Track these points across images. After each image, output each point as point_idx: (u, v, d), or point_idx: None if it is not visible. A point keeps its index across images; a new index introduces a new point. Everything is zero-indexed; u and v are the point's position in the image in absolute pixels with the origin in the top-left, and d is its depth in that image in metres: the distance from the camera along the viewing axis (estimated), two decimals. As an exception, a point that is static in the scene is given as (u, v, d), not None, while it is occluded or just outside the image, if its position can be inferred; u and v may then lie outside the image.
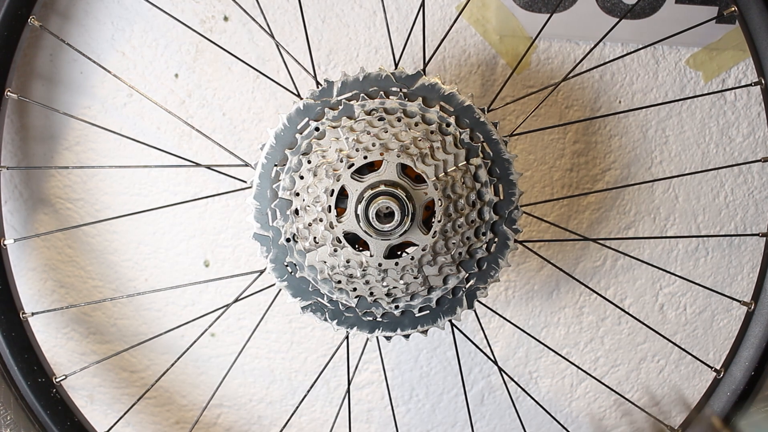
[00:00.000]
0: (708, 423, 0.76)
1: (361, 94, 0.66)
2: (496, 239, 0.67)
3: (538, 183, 0.89)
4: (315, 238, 0.63)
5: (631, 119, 0.89)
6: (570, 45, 0.85)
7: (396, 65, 0.73)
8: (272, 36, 0.74)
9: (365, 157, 0.62)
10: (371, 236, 0.62)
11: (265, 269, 0.68)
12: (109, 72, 0.76)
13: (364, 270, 0.63)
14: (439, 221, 0.62)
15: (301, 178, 0.64)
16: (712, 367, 0.80)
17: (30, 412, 0.72)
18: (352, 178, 0.61)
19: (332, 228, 0.62)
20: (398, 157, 0.61)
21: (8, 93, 0.72)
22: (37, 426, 0.72)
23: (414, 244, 0.63)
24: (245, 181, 0.70)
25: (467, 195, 0.64)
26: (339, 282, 0.65)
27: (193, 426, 0.81)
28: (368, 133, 0.63)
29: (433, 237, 0.63)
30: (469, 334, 0.87)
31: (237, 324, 0.89)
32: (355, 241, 0.64)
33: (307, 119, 0.66)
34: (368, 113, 0.65)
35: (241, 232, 0.87)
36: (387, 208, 0.61)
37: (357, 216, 0.61)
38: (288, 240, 0.65)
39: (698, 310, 0.96)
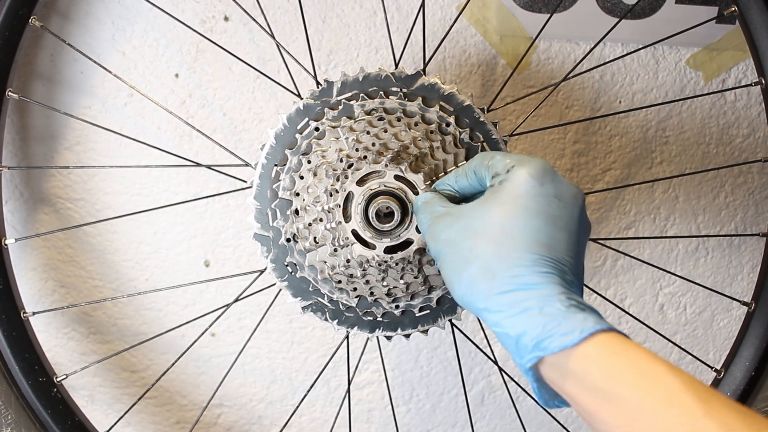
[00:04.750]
0: None
1: (361, 94, 0.66)
2: (496, 239, 0.67)
3: (538, 183, 0.89)
4: (315, 238, 0.63)
5: (632, 119, 0.89)
6: (570, 45, 0.86)
7: (396, 65, 0.73)
8: (273, 36, 0.74)
9: (364, 157, 0.62)
10: (371, 236, 0.62)
11: (265, 269, 0.68)
12: (109, 72, 0.76)
13: (364, 270, 0.63)
14: None
15: (301, 178, 0.64)
16: (712, 367, 0.80)
17: (31, 411, 0.72)
18: (356, 184, 0.61)
19: (339, 226, 0.62)
20: (386, 166, 0.61)
21: (9, 93, 0.72)
22: (38, 425, 0.72)
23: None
24: (246, 181, 0.70)
25: (467, 195, 0.64)
26: (339, 282, 0.65)
27: (193, 426, 0.81)
28: (368, 132, 0.63)
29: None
30: (470, 334, 0.87)
31: (237, 324, 0.89)
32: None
33: (307, 119, 0.66)
34: (368, 113, 0.65)
35: (241, 232, 0.87)
36: (387, 207, 0.61)
37: (357, 216, 0.62)
38: (288, 240, 0.65)
39: (698, 310, 0.96)
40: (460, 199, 0.60)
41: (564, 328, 0.44)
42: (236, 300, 0.76)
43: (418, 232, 0.62)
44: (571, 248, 0.50)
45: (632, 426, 0.41)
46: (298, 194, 0.64)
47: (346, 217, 0.62)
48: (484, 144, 0.66)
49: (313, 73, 0.73)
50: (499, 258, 0.49)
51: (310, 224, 0.63)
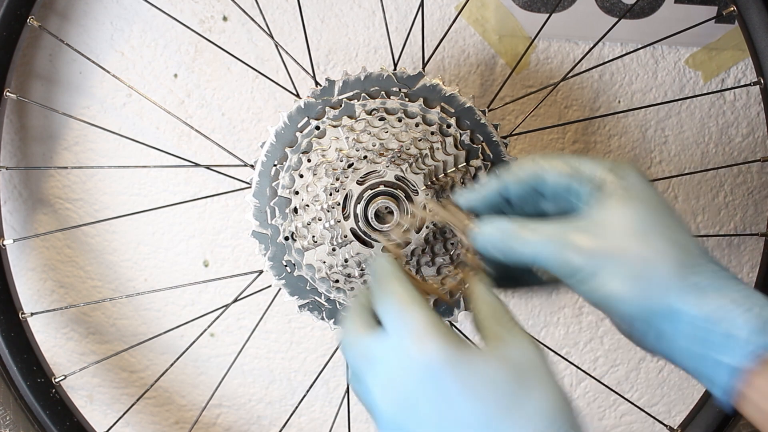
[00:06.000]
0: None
1: (363, 94, 0.66)
2: (495, 240, 0.67)
3: (537, 183, 0.89)
4: (313, 236, 0.63)
5: (631, 119, 0.89)
6: (569, 45, 0.86)
7: (395, 65, 0.73)
8: (271, 36, 0.74)
9: (364, 157, 0.62)
10: (370, 236, 0.62)
11: (263, 271, 0.68)
12: (108, 72, 0.76)
13: (362, 269, 0.63)
14: (427, 227, 0.62)
15: (301, 176, 0.64)
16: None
17: (29, 412, 0.72)
18: (357, 183, 0.61)
19: (339, 224, 0.62)
20: (386, 167, 0.61)
21: (7, 93, 0.72)
22: (37, 426, 0.72)
23: (413, 244, 0.63)
24: (244, 181, 0.70)
25: (466, 196, 0.64)
26: (337, 281, 0.65)
27: (192, 426, 0.81)
28: (369, 133, 0.63)
29: (424, 239, 0.63)
30: (469, 335, 0.87)
31: (236, 324, 0.89)
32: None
33: (307, 118, 0.66)
34: (369, 113, 0.65)
35: (240, 232, 0.87)
36: (386, 207, 0.61)
37: (356, 216, 0.62)
38: (286, 238, 0.65)
39: (698, 309, 0.96)
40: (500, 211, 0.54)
41: None
42: (235, 300, 0.76)
43: (417, 232, 0.62)
44: None
45: None
46: (297, 192, 0.64)
47: (345, 216, 0.62)
48: (485, 146, 0.66)
49: (311, 73, 0.73)
50: (681, 250, 0.45)
51: (308, 223, 0.63)
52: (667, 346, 0.45)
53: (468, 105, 0.66)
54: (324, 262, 0.64)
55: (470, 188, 0.54)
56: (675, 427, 0.79)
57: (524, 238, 0.49)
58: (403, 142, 0.62)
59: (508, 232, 0.50)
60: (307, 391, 0.80)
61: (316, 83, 0.68)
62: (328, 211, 0.62)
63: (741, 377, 0.41)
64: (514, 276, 0.55)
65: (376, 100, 0.65)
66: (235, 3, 0.77)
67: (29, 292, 0.86)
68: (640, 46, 0.84)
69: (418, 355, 0.42)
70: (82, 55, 0.76)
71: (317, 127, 0.65)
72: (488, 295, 0.49)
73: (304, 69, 0.75)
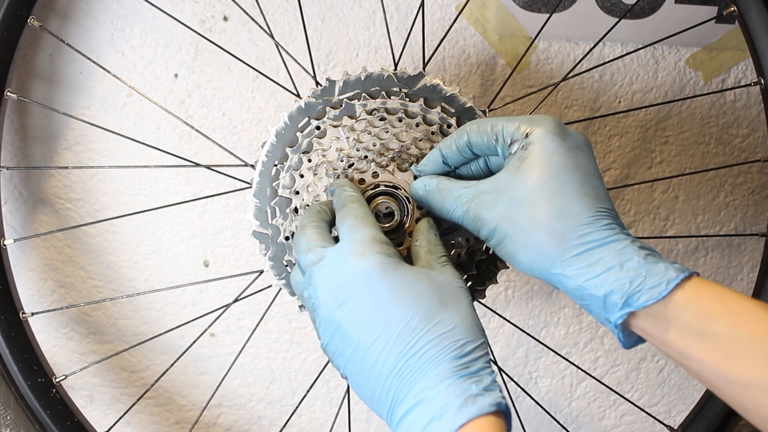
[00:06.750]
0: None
1: (363, 94, 0.66)
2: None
3: (537, 183, 0.89)
4: (315, 237, 0.63)
5: (631, 119, 0.89)
6: (570, 45, 0.86)
7: (396, 65, 0.73)
8: (272, 36, 0.74)
9: (365, 157, 0.62)
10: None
11: (263, 271, 0.68)
12: (108, 72, 0.76)
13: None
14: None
15: (301, 176, 0.64)
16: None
17: (30, 412, 0.72)
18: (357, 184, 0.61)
19: None
20: (386, 167, 0.61)
21: (8, 93, 0.72)
22: (37, 426, 0.72)
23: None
24: (245, 181, 0.70)
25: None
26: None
27: (192, 426, 0.81)
28: (369, 133, 0.63)
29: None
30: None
31: (237, 324, 0.89)
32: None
33: (308, 118, 0.66)
34: (369, 113, 0.65)
35: (240, 232, 0.87)
36: (387, 207, 0.61)
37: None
38: (287, 238, 0.65)
39: (698, 310, 0.96)
40: (451, 173, 0.60)
41: (650, 281, 0.46)
42: (236, 300, 0.76)
43: None
44: (607, 193, 0.52)
45: (729, 360, 0.44)
46: (297, 192, 0.64)
47: None
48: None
49: (312, 73, 0.73)
50: (562, 220, 0.49)
51: (309, 224, 0.63)
52: (569, 296, 0.50)
53: (468, 105, 0.66)
54: (324, 262, 0.64)
55: (421, 161, 0.60)
56: (675, 427, 0.79)
57: (440, 194, 0.56)
58: (403, 142, 0.62)
59: (429, 187, 0.57)
60: (308, 391, 0.80)
61: (317, 83, 0.68)
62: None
63: (623, 325, 0.48)
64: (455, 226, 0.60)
65: (377, 100, 0.65)
66: (236, 3, 0.77)
67: (30, 292, 0.86)
68: (640, 46, 0.84)
69: (361, 259, 0.48)
70: (83, 55, 0.76)
71: (318, 127, 0.65)
72: (429, 232, 0.56)
73: (304, 69, 0.75)
